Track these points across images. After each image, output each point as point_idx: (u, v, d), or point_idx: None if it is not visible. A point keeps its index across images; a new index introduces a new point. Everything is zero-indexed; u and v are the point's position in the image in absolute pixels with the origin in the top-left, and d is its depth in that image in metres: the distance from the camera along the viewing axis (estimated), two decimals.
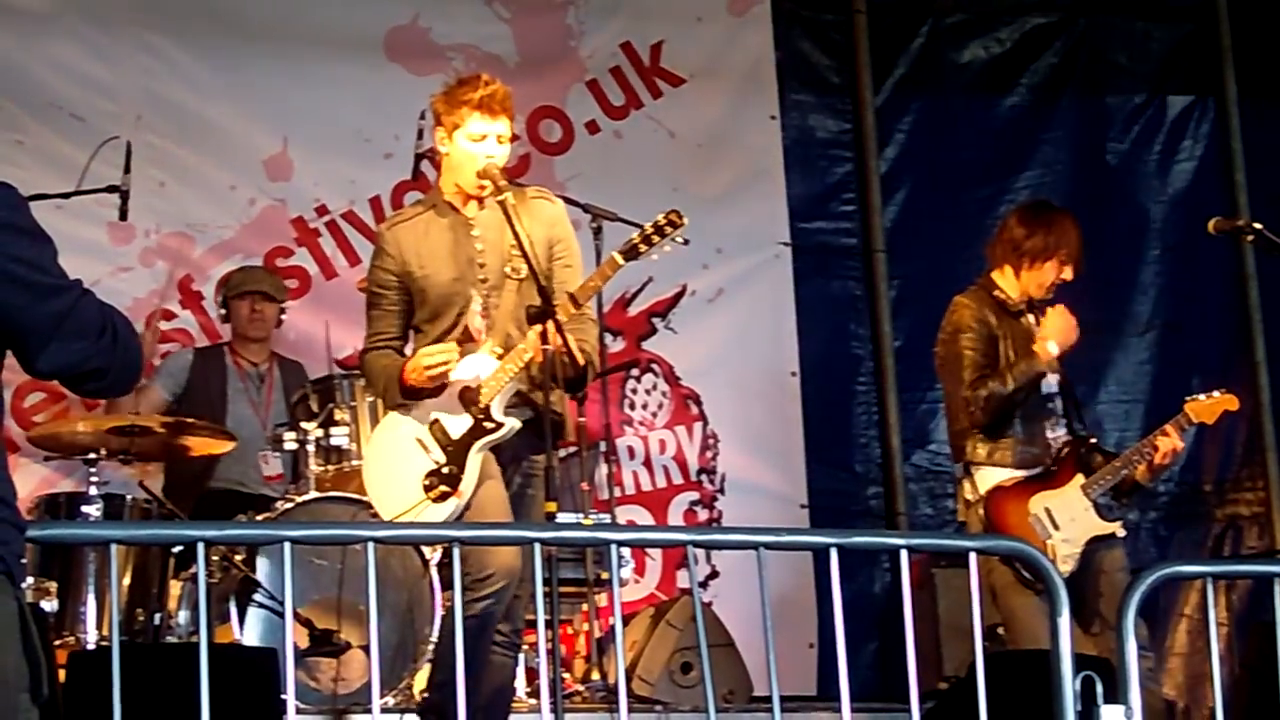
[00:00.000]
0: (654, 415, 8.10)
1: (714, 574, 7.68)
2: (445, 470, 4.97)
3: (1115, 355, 8.58)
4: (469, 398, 5.00)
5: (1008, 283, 5.81)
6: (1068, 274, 5.81)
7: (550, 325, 4.78)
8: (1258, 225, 5.91)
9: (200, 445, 6.47)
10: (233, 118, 7.73)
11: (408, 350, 5.15)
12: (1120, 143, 8.75)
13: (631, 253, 4.91)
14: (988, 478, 5.70)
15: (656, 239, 4.91)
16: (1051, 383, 5.82)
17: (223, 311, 7.16)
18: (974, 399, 5.67)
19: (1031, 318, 5.81)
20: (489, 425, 4.99)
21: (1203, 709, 7.77)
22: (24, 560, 2.82)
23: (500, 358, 5.00)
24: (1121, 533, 5.75)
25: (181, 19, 7.73)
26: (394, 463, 5.07)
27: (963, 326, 5.75)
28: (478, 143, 5.02)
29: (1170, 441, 5.75)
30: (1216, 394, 5.89)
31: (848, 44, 8.60)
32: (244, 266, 7.31)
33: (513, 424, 5.01)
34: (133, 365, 2.94)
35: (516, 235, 4.96)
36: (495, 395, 4.99)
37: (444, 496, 4.94)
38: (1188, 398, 5.90)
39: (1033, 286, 5.79)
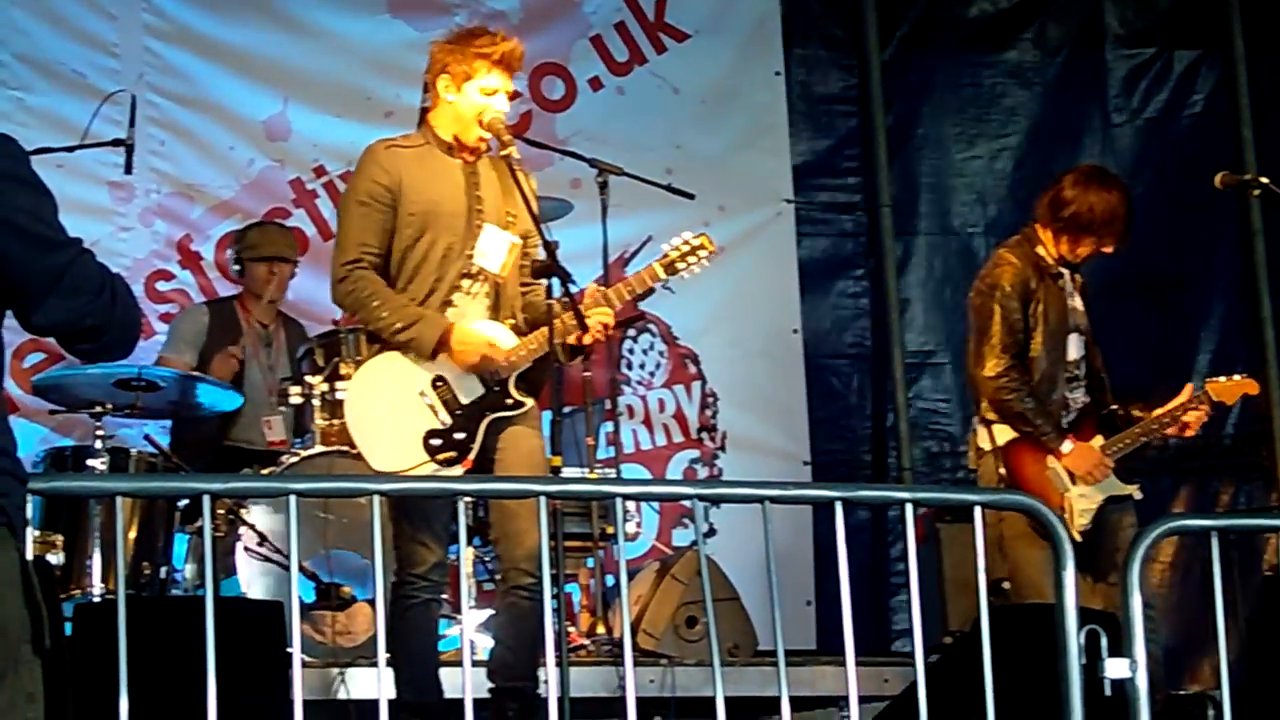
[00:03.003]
0: (651, 374, 8.10)
1: (712, 531, 7.67)
2: (455, 435, 4.90)
3: (1120, 311, 8.55)
4: (487, 364, 4.94)
5: (1047, 240, 5.80)
6: (1107, 248, 5.81)
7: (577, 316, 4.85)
8: (1264, 180, 5.91)
9: (207, 399, 6.47)
10: (233, 77, 7.72)
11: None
12: (1127, 97, 8.72)
13: (670, 268, 5.07)
14: (1006, 429, 5.71)
15: (693, 259, 5.08)
16: (1076, 344, 5.82)
17: (237, 268, 7.09)
18: (996, 376, 5.64)
19: (1067, 276, 5.80)
20: (508, 401, 4.94)
21: (1196, 660, 7.81)
22: (25, 512, 2.82)
23: (520, 334, 4.97)
24: (1139, 495, 5.76)
25: None
26: (390, 411, 4.93)
27: (1001, 285, 5.71)
28: (489, 96, 4.98)
29: (1199, 416, 5.80)
30: (1237, 377, 5.96)
31: None
32: (259, 224, 7.22)
33: (530, 404, 4.98)
34: (131, 328, 2.92)
35: (521, 189, 4.94)
36: (514, 371, 4.96)
37: (451, 462, 4.87)
38: (1209, 378, 5.98)
39: (1069, 254, 5.78)
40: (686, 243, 5.11)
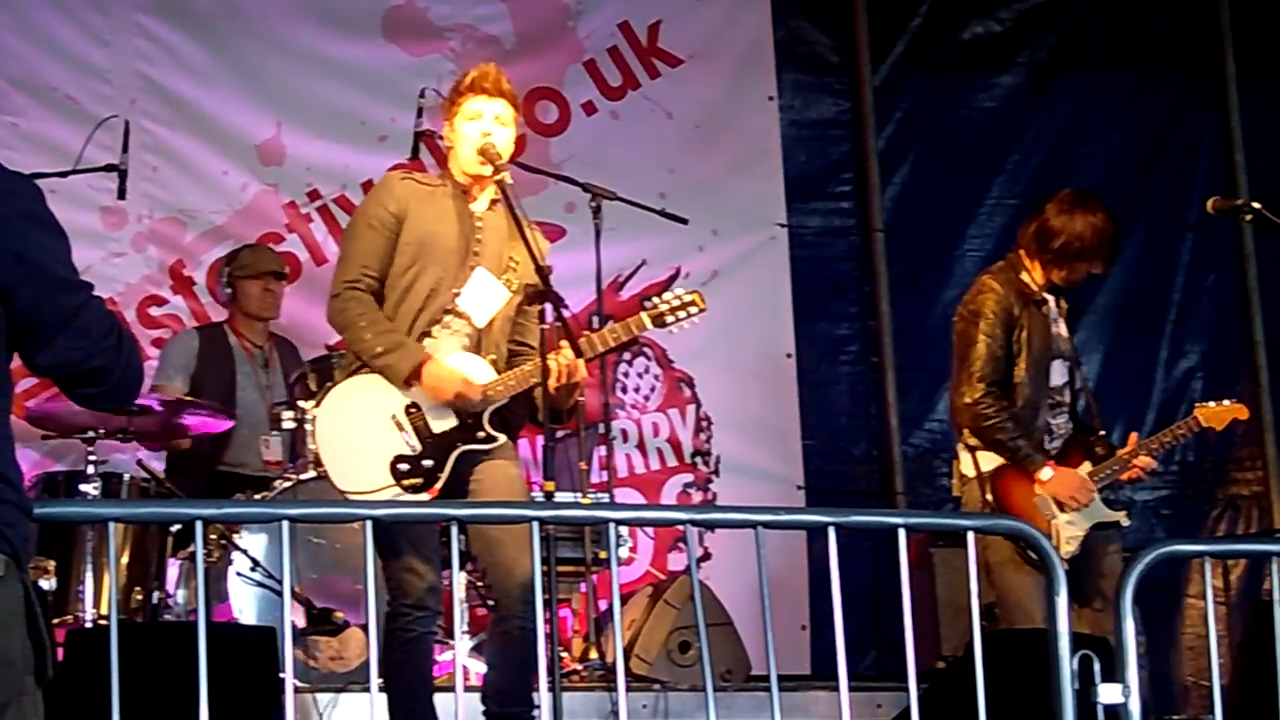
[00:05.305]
0: (646, 398, 8.10)
1: (706, 555, 7.67)
2: (424, 463, 4.89)
3: (1112, 334, 8.58)
4: (461, 400, 4.93)
5: (1032, 267, 5.79)
6: (1097, 269, 5.85)
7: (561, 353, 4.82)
8: (1256, 205, 5.92)
9: (199, 424, 6.47)
10: (227, 102, 7.72)
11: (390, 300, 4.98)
12: (1119, 121, 8.74)
13: (659, 320, 5.07)
14: (991, 456, 5.71)
15: (683, 314, 5.08)
16: (1060, 370, 5.82)
17: (229, 291, 7.08)
18: (974, 404, 5.64)
19: (1051, 303, 5.80)
20: (479, 435, 4.93)
21: (1203, 688, 7.79)
22: (30, 543, 2.83)
23: (500, 370, 4.96)
24: (1126, 522, 5.77)
25: (178, 2, 7.72)
26: (359, 434, 4.92)
27: (984, 312, 5.70)
28: (474, 121, 5.00)
29: (1147, 463, 5.81)
30: (1227, 402, 5.98)
31: (846, 23, 8.58)
32: (249, 246, 7.22)
33: (503, 439, 4.97)
34: (135, 376, 2.94)
35: (515, 218, 4.95)
36: (490, 406, 4.95)
37: (417, 489, 4.86)
38: (1198, 403, 6.00)
39: (1059, 279, 5.79)
40: (678, 298, 5.13)
